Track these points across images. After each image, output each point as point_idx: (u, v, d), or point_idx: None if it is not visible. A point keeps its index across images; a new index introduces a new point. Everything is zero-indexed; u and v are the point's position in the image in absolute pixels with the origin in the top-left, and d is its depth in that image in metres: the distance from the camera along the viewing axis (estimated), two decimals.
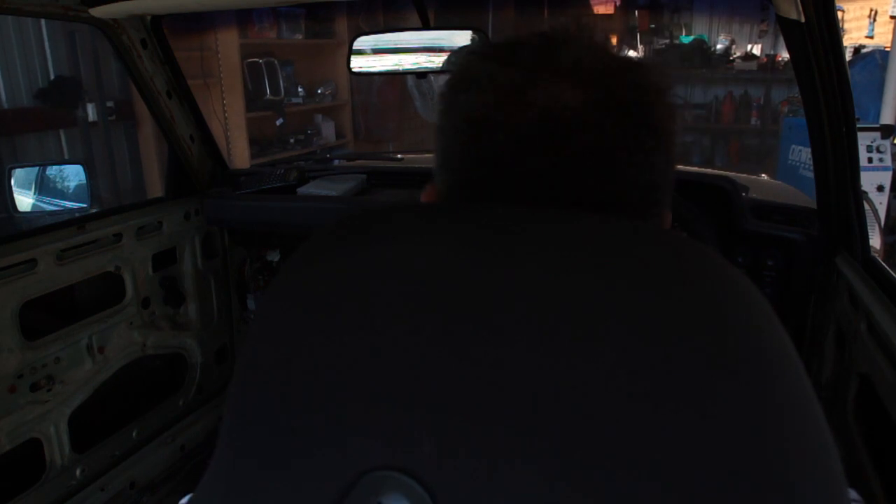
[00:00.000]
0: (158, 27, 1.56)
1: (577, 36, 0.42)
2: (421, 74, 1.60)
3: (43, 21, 3.27)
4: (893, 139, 3.48)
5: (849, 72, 1.10)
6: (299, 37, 4.64)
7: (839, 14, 1.56)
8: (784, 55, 5.25)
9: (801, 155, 4.06)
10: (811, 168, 1.58)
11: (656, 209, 0.43)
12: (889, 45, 4.41)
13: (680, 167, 2.17)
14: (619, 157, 0.40)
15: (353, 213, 0.35)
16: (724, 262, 0.31)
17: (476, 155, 0.41)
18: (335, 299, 0.30)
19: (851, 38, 4.98)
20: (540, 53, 0.41)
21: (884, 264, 1.09)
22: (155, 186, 3.75)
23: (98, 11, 1.38)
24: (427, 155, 2.36)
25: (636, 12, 5.64)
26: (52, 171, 1.85)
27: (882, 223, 2.96)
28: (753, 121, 5.51)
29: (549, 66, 0.40)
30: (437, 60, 1.48)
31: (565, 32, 0.42)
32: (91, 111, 3.53)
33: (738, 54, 5.54)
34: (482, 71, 0.42)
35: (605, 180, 0.40)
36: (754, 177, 2.42)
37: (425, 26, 1.57)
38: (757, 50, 5.51)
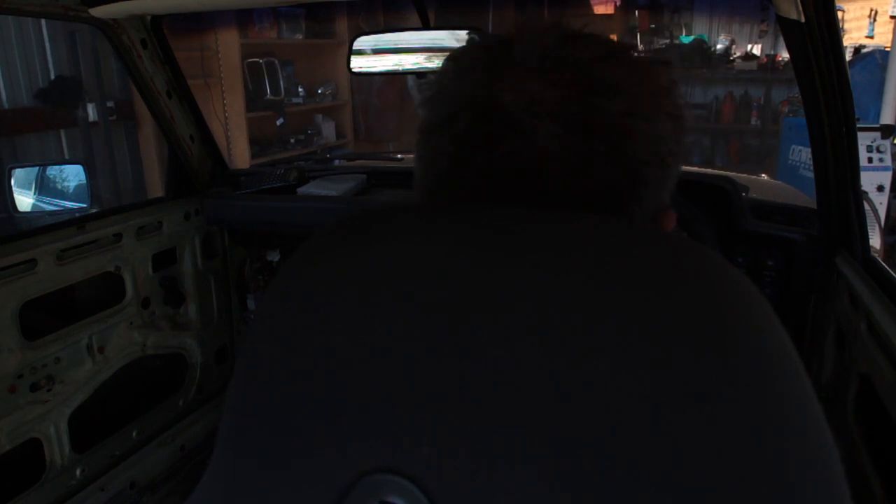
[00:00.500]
0: (158, 27, 1.56)
1: (532, 30, 0.41)
2: (421, 74, 1.60)
3: (43, 21, 3.27)
4: (893, 139, 3.48)
5: (849, 72, 1.10)
6: (299, 37, 4.64)
7: (839, 14, 1.56)
8: (784, 55, 5.24)
9: (801, 155, 4.06)
10: (811, 168, 1.58)
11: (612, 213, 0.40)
12: (889, 45, 4.41)
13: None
14: (552, 163, 0.37)
15: (353, 213, 0.35)
16: (724, 263, 0.31)
17: (423, 164, 0.42)
18: (335, 299, 0.30)
19: (851, 38, 4.98)
20: (486, 56, 0.41)
21: (884, 264, 1.09)
22: (155, 186, 3.75)
23: (98, 11, 1.38)
24: None
25: (636, 12, 5.63)
26: (52, 171, 1.86)
27: (882, 223, 2.96)
28: (753, 121, 5.50)
29: (490, 70, 0.40)
30: (437, 60, 1.48)
31: (521, 29, 0.41)
32: (91, 111, 3.53)
33: (738, 54, 5.53)
34: (437, 83, 0.43)
35: (535, 185, 0.38)
36: (754, 177, 2.42)
37: (425, 26, 1.57)
38: (757, 50, 5.50)
